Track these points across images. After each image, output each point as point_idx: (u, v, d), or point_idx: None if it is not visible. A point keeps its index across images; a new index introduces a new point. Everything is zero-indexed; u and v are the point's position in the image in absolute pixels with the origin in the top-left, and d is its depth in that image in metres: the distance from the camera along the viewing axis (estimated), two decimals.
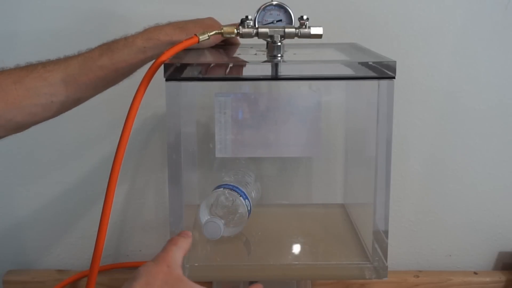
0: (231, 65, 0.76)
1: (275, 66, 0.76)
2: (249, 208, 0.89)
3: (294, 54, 0.87)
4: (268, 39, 0.79)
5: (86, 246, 1.14)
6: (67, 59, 0.78)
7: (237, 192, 0.88)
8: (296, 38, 0.79)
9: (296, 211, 1.07)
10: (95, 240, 0.78)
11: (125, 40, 0.79)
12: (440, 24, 1.04)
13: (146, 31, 0.80)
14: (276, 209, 1.07)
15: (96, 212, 0.81)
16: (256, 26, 0.78)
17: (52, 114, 0.79)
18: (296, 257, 0.88)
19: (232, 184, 0.90)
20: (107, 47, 0.79)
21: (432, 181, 1.12)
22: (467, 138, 1.10)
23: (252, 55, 0.85)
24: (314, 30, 0.78)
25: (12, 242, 1.15)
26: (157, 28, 0.80)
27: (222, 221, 0.82)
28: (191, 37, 0.77)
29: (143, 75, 0.76)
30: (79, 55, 0.79)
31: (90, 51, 0.79)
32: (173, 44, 0.76)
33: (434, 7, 1.03)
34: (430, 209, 1.14)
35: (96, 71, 0.77)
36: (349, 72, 0.77)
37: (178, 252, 0.65)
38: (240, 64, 0.78)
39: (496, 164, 1.11)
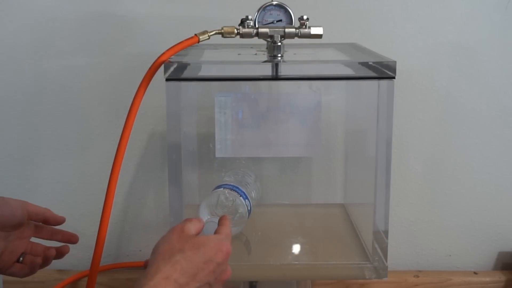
0: None
1: (275, 66, 0.77)
2: (249, 208, 0.89)
3: (294, 54, 0.87)
4: (268, 39, 0.79)
5: (86, 246, 1.14)
6: None
7: (237, 192, 0.88)
8: (296, 38, 0.79)
9: (296, 211, 1.07)
10: (95, 240, 0.78)
11: None
12: (440, 24, 1.04)
13: None
14: (276, 209, 1.07)
15: (96, 212, 0.81)
16: (256, 26, 0.79)
17: None
18: (296, 257, 0.88)
19: (232, 184, 0.90)
20: None
21: (432, 182, 1.12)
22: (467, 138, 1.10)
23: (252, 55, 0.85)
24: (314, 30, 0.78)
25: None
26: None
27: None
28: (191, 37, 0.77)
29: (143, 75, 0.76)
30: None
31: None
32: None
33: (434, 7, 1.03)
34: (430, 209, 1.14)
35: None
36: (349, 72, 0.77)
37: (192, 225, 0.66)
38: None
39: (496, 164, 1.11)
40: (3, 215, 0.70)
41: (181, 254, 0.60)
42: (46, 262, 0.77)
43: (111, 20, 1.03)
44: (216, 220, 0.82)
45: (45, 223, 0.77)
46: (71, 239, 0.79)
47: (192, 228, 0.65)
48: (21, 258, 0.75)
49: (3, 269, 0.73)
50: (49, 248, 0.77)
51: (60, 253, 0.78)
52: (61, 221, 0.77)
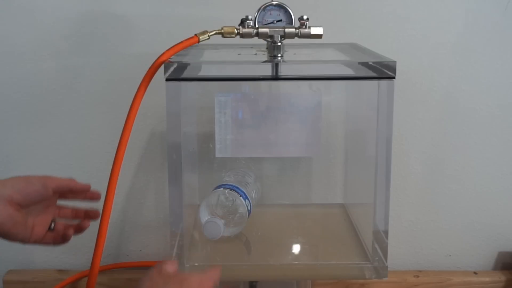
0: None
1: (275, 66, 0.77)
2: (249, 208, 0.89)
3: (294, 54, 0.87)
4: (268, 39, 0.79)
5: (86, 246, 1.14)
6: None
7: (237, 192, 0.88)
8: (296, 38, 0.79)
9: (296, 211, 1.07)
10: (95, 240, 0.78)
11: None
12: (440, 24, 1.04)
13: None
14: (276, 209, 1.07)
15: None
16: (256, 26, 0.79)
17: None
18: (296, 257, 0.88)
19: (232, 184, 0.90)
20: None
21: (432, 181, 1.12)
22: (467, 138, 1.10)
23: (252, 55, 0.85)
24: (314, 30, 0.79)
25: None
26: None
27: (222, 221, 0.83)
28: (191, 37, 0.77)
29: (143, 75, 0.76)
30: None
31: None
32: None
33: (434, 7, 1.03)
34: (430, 209, 1.14)
35: None
36: (349, 72, 0.77)
37: (168, 266, 0.67)
38: None
39: (496, 164, 1.11)
40: (28, 194, 0.70)
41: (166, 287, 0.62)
42: (79, 230, 0.78)
43: (111, 20, 1.03)
44: (216, 220, 0.82)
45: (71, 193, 0.77)
46: (94, 196, 0.79)
47: (168, 268, 0.66)
48: (52, 225, 0.76)
49: (38, 241, 0.75)
50: (77, 212, 0.79)
51: (94, 215, 0.79)
52: (86, 188, 0.77)
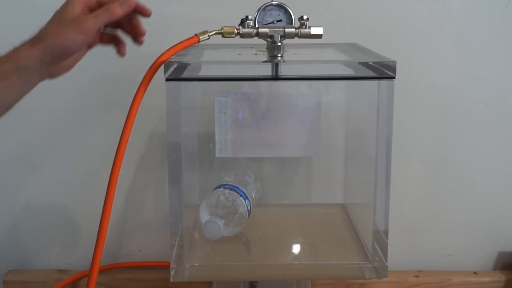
0: None
1: (275, 66, 0.77)
2: (249, 208, 0.89)
3: (294, 54, 0.87)
4: (268, 39, 0.79)
5: (86, 246, 1.14)
6: None
7: (237, 192, 0.88)
8: (296, 38, 0.79)
9: (296, 211, 1.07)
10: (95, 240, 0.78)
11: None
12: (440, 24, 1.04)
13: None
14: (276, 209, 1.07)
15: (96, 212, 0.81)
16: (256, 26, 0.79)
17: None
18: (296, 257, 0.88)
19: (232, 184, 0.90)
20: None
21: (432, 181, 1.12)
22: (466, 138, 1.10)
23: (252, 55, 0.85)
24: (314, 30, 0.78)
25: (12, 242, 1.15)
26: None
27: (222, 221, 0.83)
28: (191, 37, 0.77)
29: (143, 75, 0.76)
30: None
31: None
32: None
33: (434, 7, 1.04)
34: (430, 209, 1.14)
35: None
36: (349, 72, 0.77)
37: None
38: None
39: (496, 163, 1.11)
40: (69, 55, 0.71)
41: None
42: (134, 34, 0.75)
43: None
44: (216, 220, 0.82)
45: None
46: (143, 11, 0.73)
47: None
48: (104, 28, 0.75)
49: (96, 45, 0.77)
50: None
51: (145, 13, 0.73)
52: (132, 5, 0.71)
